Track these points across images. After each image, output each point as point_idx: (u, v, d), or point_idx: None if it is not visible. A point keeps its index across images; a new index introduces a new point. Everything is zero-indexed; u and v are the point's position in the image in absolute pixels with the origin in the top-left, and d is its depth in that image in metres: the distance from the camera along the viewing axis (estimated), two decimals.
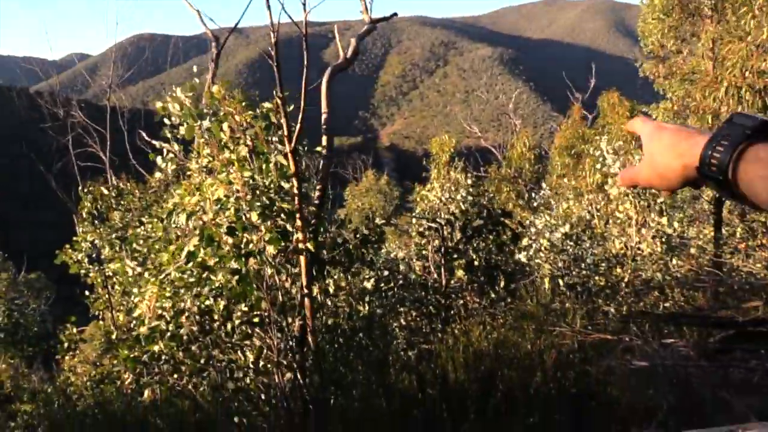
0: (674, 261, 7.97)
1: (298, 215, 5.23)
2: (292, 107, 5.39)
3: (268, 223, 5.03)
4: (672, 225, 8.05)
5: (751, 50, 9.39)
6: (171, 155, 5.91)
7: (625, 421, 4.08)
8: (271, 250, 5.01)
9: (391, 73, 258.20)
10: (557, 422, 4.63)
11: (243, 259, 4.86)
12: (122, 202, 9.06)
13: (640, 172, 0.95)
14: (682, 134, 0.88)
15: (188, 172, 5.71)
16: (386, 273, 7.80)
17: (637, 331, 5.26)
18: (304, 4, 5.61)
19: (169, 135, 5.88)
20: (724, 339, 5.03)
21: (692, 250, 8.64)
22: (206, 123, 5.27)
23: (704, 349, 4.71)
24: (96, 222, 9.30)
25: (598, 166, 8.93)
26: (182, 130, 5.48)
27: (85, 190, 9.37)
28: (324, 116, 6.32)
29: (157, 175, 6.29)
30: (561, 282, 7.90)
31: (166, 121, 5.76)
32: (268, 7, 5.33)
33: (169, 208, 5.22)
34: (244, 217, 4.98)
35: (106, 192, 9.22)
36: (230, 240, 4.93)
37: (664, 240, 7.94)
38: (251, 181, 5.14)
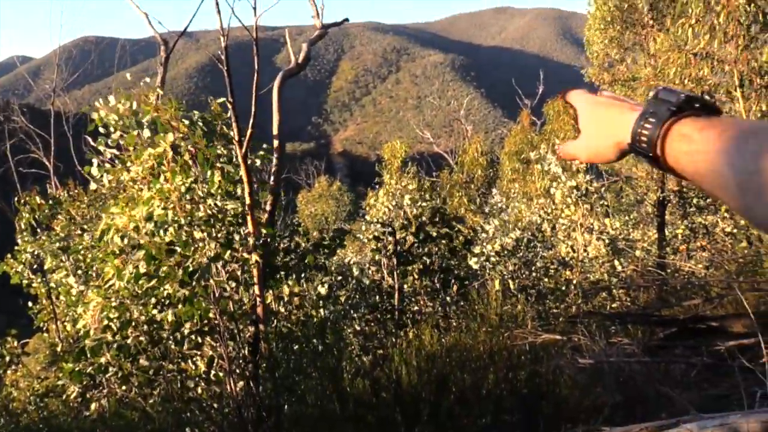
0: (620, 263, 8.21)
1: (250, 222, 5.18)
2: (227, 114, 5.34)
3: (212, 235, 4.95)
4: (615, 225, 8.30)
5: (689, 59, 9.77)
6: (108, 165, 5.75)
7: (573, 419, 4.18)
8: (216, 266, 4.94)
9: (343, 78, 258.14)
10: (509, 423, 4.71)
11: (188, 275, 4.78)
12: (60, 212, 8.76)
13: (578, 149, 0.97)
14: (614, 111, 0.91)
15: (123, 185, 5.54)
16: (339, 278, 7.80)
17: (584, 330, 5.39)
18: (254, 8, 5.59)
19: (104, 145, 5.70)
20: (666, 336, 5.21)
21: (637, 252, 8.92)
22: (147, 132, 5.15)
23: (648, 346, 4.86)
24: (37, 231, 8.97)
25: (541, 167, 9.13)
26: (115, 136, 5.35)
27: (22, 201, 9.02)
28: (275, 121, 6.28)
29: (93, 186, 6.09)
30: (512, 285, 8.04)
31: (102, 129, 5.60)
32: (218, 11, 5.29)
33: (103, 228, 5.08)
34: (184, 234, 4.88)
35: (42, 202, 8.89)
36: (173, 257, 4.83)
37: (608, 243, 8.18)
38: (187, 195, 5.03)
